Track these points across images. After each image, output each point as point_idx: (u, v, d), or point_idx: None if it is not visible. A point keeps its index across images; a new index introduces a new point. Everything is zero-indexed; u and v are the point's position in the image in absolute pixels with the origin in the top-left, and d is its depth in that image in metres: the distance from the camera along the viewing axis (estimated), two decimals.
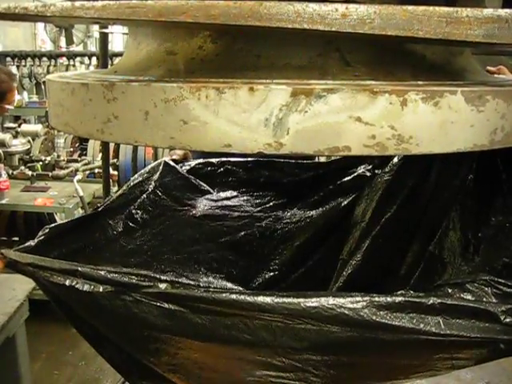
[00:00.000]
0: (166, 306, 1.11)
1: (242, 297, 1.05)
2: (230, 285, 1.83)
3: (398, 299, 1.02)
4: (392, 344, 1.05)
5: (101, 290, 1.15)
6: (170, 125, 0.87)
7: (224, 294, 1.07)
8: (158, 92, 0.87)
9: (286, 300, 1.03)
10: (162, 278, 1.59)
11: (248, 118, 0.83)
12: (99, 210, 1.73)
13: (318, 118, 0.82)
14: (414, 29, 0.82)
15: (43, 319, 3.76)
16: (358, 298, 1.02)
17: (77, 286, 1.17)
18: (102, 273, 1.17)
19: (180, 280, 1.75)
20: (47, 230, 1.46)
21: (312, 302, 1.02)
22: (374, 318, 1.00)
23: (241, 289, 1.82)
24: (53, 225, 1.51)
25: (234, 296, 1.06)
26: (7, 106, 4.02)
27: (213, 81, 0.90)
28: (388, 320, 1.01)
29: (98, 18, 0.84)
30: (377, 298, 1.02)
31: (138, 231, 1.80)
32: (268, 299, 1.03)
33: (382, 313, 1.01)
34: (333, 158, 2.27)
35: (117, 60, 4.67)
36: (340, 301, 1.02)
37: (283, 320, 1.04)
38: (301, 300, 1.03)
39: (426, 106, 0.85)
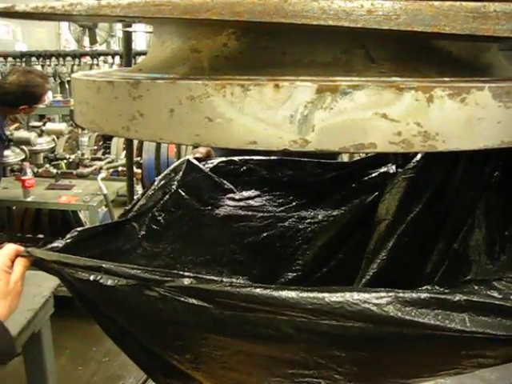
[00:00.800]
0: (190, 300, 1.11)
1: (267, 291, 1.05)
2: None
3: (424, 295, 1.01)
4: (416, 341, 1.04)
5: (125, 283, 1.16)
6: (195, 122, 0.87)
7: (248, 289, 1.07)
8: (183, 89, 0.88)
9: (310, 294, 1.03)
10: (186, 273, 1.60)
11: (273, 114, 0.83)
12: (128, 217, 1.74)
13: (344, 114, 0.82)
14: (441, 24, 0.82)
15: (67, 315, 3.80)
16: (383, 294, 1.01)
17: (101, 281, 1.18)
18: (126, 269, 1.18)
19: (204, 276, 1.75)
20: (75, 233, 1.48)
21: (336, 297, 1.02)
22: (398, 314, 1.00)
23: None
24: (81, 228, 1.52)
25: (258, 290, 1.05)
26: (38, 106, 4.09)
27: (238, 78, 0.90)
28: (413, 316, 1.00)
29: (124, 16, 0.85)
30: (402, 294, 1.01)
31: (161, 233, 1.80)
32: (292, 294, 1.03)
33: (407, 309, 1.00)
34: (355, 159, 2.26)
35: (140, 59, 4.69)
36: (365, 296, 1.02)
37: (307, 316, 1.04)
38: (325, 295, 1.03)
39: (452, 102, 0.85)
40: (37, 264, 1.27)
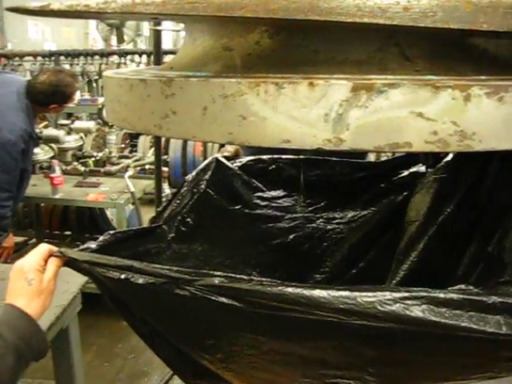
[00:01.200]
0: (221, 299, 1.11)
1: (298, 291, 1.04)
2: None
3: (457, 296, 0.99)
4: (450, 343, 1.02)
5: (155, 282, 1.16)
6: (228, 120, 0.87)
7: (280, 288, 1.06)
8: (216, 87, 0.87)
9: (342, 294, 1.01)
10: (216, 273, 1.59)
11: (307, 113, 0.82)
12: (160, 223, 1.75)
13: (379, 113, 0.81)
14: (479, 21, 0.80)
15: (94, 312, 3.84)
16: (416, 294, 1.00)
17: (132, 280, 1.18)
18: (157, 268, 1.18)
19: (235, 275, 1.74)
20: (108, 236, 1.49)
21: (369, 297, 1.00)
22: (431, 314, 0.98)
23: None
24: (114, 231, 1.53)
25: (289, 290, 1.05)
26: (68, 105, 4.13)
27: (271, 76, 0.89)
28: (446, 318, 0.98)
29: (158, 13, 0.85)
30: (435, 295, 0.99)
31: (190, 235, 1.80)
32: (324, 293, 1.02)
33: (440, 310, 0.98)
34: (384, 159, 2.24)
35: (166, 58, 4.71)
36: (397, 296, 1.00)
37: (338, 315, 1.02)
38: (357, 294, 1.01)
39: (489, 101, 0.83)
40: (69, 264, 1.28)
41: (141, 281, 1.18)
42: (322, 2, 0.80)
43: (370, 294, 1.02)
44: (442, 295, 1.00)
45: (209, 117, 0.89)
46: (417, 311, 0.99)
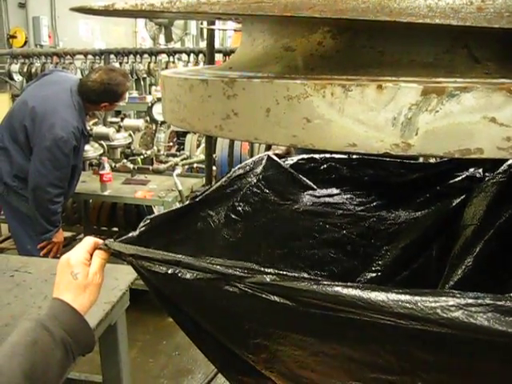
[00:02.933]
0: (272, 298, 1.08)
1: (355, 292, 1.01)
2: None
3: None
4: None
5: (203, 277, 1.14)
6: (292, 122, 0.85)
7: (336, 289, 1.02)
8: (280, 89, 0.86)
9: (402, 297, 0.98)
10: (268, 270, 1.57)
11: (375, 116, 0.80)
12: (197, 200, 1.73)
13: (450, 118, 0.78)
14: None
15: (140, 308, 3.89)
16: (481, 301, 0.96)
17: (179, 275, 1.17)
18: (205, 263, 1.16)
19: (287, 273, 1.72)
20: (148, 221, 1.47)
21: (430, 302, 0.97)
22: (497, 323, 0.94)
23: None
24: (153, 215, 1.51)
25: (346, 291, 1.01)
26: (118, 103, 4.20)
27: (336, 78, 0.87)
28: None
29: (223, 13, 0.84)
30: (502, 302, 0.95)
31: (239, 223, 1.78)
32: (382, 296, 0.99)
33: (507, 319, 0.94)
34: (438, 160, 2.19)
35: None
36: (460, 302, 0.96)
37: (396, 319, 0.99)
38: (417, 299, 0.98)
39: None
40: (115, 256, 1.28)
41: (188, 276, 1.15)
42: (392, 2, 0.78)
43: (431, 298, 0.98)
44: (509, 303, 0.95)
45: (272, 118, 0.87)
46: (482, 319, 0.95)
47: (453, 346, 1.01)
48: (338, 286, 1.04)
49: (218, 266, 1.15)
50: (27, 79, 6.96)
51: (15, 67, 7.30)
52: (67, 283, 1.25)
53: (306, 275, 1.83)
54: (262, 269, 1.55)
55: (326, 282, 1.06)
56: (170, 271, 1.18)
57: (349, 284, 1.03)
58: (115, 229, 5.36)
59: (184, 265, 1.17)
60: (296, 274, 1.77)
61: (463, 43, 0.93)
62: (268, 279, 1.09)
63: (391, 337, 1.04)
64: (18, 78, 7.54)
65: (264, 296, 1.09)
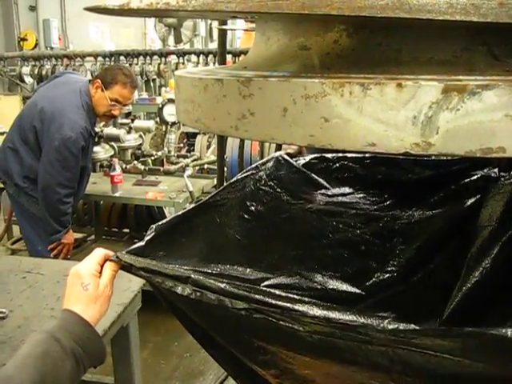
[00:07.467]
0: (279, 322, 1.08)
1: (366, 321, 1.01)
2: (345, 286, 1.77)
3: None
4: None
5: (212, 298, 1.14)
6: (310, 122, 0.84)
7: (347, 317, 1.02)
8: (298, 88, 0.84)
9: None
10: (277, 292, 1.56)
11: (395, 115, 0.78)
12: (207, 201, 1.72)
13: (471, 116, 0.76)
14: None
15: (151, 310, 3.87)
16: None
17: (187, 295, 1.17)
18: (215, 283, 1.16)
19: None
20: (153, 229, 1.46)
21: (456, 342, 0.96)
22: None
23: (357, 290, 1.75)
24: (158, 223, 1.50)
25: (358, 322, 1.01)
26: (126, 108, 4.21)
27: (354, 76, 0.86)
28: None
29: (239, 11, 0.82)
30: None
31: (252, 223, 1.77)
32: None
33: None
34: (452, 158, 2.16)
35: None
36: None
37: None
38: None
39: None
40: (125, 269, 1.28)
41: (197, 295, 1.16)
42: None
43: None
44: None
45: (289, 118, 0.86)
46: None
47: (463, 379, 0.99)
48: (348, 313, 1.04)
49: (229, 286, 1.14)
50: (38, 81, 7.00)
51: (26, 69, 7.35)
52: (78, 294, 1.25)
53: (319, 277, 1.81)
54: (268, 290, 1.53)
55: (333, 308, 1.06)
56: (178, 291, 1.18)
57: (363, 316, 1.03)
58: (126, 230, 5.37)
59: (193, 282, 1.17)
60: (307, 278, 1.75)
61: (482, 40, 0.91)
62: (273, 301, 1.09)
63: (398, 367, 1.02)
64: (28, 80, 7.59)
65: (270, 319, 1.09)
